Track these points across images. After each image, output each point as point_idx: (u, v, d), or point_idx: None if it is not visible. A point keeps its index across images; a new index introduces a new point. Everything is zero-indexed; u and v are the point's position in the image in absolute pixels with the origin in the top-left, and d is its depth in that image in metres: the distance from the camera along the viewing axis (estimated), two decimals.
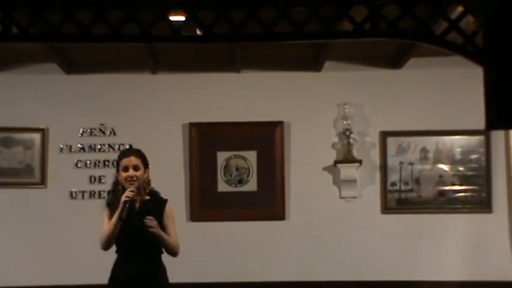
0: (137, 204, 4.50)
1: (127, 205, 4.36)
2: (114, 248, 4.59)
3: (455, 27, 4.74)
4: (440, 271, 6.97)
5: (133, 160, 4.54)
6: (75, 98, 7.17)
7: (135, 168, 4.52)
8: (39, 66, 7.11)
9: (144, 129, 7.09)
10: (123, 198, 4.38)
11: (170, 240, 4.49)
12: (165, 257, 4.61)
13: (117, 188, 4.57)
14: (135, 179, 4.47)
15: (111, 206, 4.52)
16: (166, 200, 4.63)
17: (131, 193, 4.40)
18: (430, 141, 7.15)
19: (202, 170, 7.14)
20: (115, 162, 5.07)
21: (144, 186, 4.58)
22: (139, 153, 4.62)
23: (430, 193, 7.13)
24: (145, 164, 4.59)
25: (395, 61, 7.11)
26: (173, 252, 4.53)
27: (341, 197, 7.15)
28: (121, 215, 4.38)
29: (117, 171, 4.59)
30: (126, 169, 4.51)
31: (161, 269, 4.58)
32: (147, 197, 4.62)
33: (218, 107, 7.20)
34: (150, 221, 4.40)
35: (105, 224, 4.51)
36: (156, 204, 4.53)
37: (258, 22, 4.76)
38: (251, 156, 7.18)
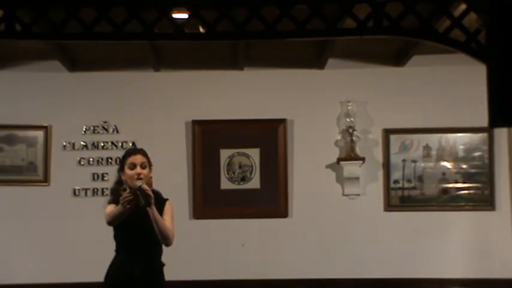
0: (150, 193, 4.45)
1: (145, 192, 4.33)
2: (114, 246, 4.56)
3: (458, 24, 4.74)
4: (443, 269, 6.97)
5: (140, 158, 4.54)
6: (78, 96, 7.18)
7: (142, 165, 4.52)
8: (42, 63, 7.12)
9: (147, 127, 7.10)
10: (140, 186, 4.33)
11: (165, 225, 4.44)
12: (167, 255, 4.60)
13: (121, 187, 4.55)
14: (142, 176, 4.47)
15: (116, 202, 4.50)
16: (166, 200, 4.62)
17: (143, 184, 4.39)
18: (433, 139, 7.14)
19: (205, 168, 7.14)
20: (118, 160, 5.06)
21: (147, 185, 4.57)
22: (145, 152, 4.63)
23: (433, 190, 7.12)
24: (150, 163, 4.60)
25: (398, 59, 7.12)
26: (167, 237, 4.45)
27: (344, 195, 7.14)
28: (140, 202, 4.36)
29: (121, 170, 4.57)
30: (133, 167, 4.49)
31: (162, 269, 4.58)
32: None
33: (221, 104, 7.20)
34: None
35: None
36: (157, 204, 4.50)
37: (261, 20, 4.77)
38: (254, 153, 7.18)
